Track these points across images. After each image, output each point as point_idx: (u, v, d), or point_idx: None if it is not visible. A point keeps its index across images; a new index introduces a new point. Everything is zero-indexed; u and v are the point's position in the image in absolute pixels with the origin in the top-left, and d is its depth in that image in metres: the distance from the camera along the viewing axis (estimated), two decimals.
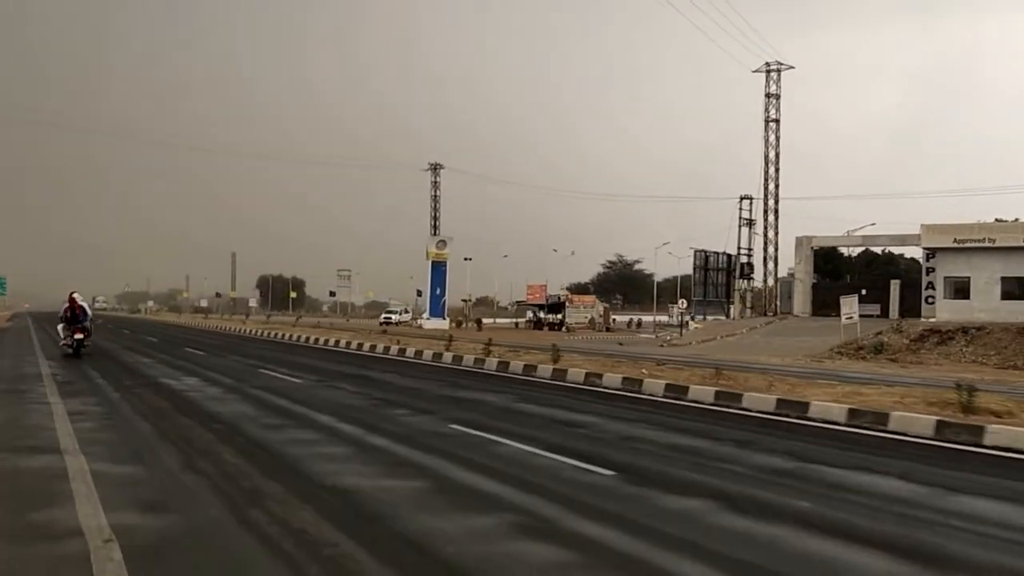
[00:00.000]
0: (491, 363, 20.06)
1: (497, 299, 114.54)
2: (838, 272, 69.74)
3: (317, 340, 33.16)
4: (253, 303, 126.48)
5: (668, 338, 54.86)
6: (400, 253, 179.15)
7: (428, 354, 23.57)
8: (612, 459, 8.50)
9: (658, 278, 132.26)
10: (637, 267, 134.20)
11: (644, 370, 18.04)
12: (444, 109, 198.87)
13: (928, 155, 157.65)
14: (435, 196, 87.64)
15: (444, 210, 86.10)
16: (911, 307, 58.25)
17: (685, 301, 58.52)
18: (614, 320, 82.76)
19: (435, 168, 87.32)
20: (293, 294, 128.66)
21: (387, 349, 26.28)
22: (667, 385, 14.24)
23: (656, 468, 8.16)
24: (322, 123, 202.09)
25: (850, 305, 46.64)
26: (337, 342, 31.15)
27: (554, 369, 17.59)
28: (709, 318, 64.95)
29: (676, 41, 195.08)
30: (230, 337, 40.88)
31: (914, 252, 78.29)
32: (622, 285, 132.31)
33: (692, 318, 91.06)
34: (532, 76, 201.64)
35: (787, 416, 11.67)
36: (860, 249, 73.74)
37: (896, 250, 75.31)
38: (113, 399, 14.15)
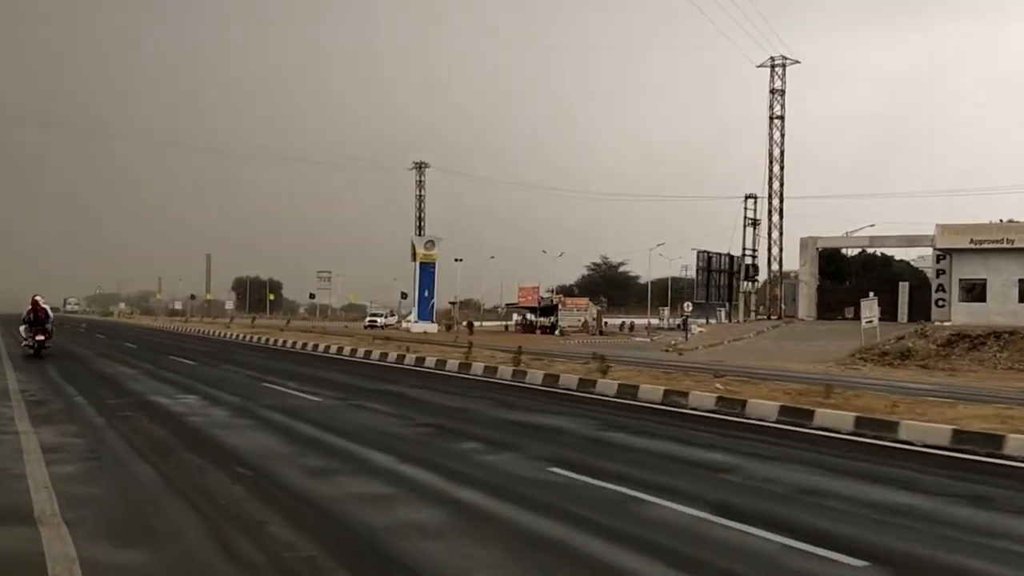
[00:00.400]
0: (534, 376, 17.40)
1: (482, 301, 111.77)
2: (841, 274, 67.73)
3: (316, 347, 30.27)
4: (230, 305, 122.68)
5: (673, 343, 52.51)
6: (382, 255, 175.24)
7: (452, 364, 20.83)
8: (829, 533, 5.95)
9: (642, 280, 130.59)
10: (622, 269, 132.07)
11: (719, 384, 15.55)
12: (430, 107, 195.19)
13: (928, 155, 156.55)
14: (420, 195, 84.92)
15: (429, 210, 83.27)
16: (919, 310, 56.57)
17: (691, 304, 56.19)
18: (606, 323, 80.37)
19: (420, 167, 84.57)
20: (271, 296, 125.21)
21: (401, 358, 23.49)
22: (782, 408, 11.69)
23: (913, 551, 5.62)
24: (302, 120, 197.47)
25: (870, 308, 44.75)
26: (340, 349, 28.28)
27: (620, 385, 14.96)
28: (711, 321, 62.79)
29: (676, 36, 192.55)
30: (216, 343, 37.88)
31: (908, 254, 76.98)
32: (606, 287, 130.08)
33: (684, 322, 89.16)
34: (524, 73, 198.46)
35: (973, 453, 9.18)
36: (856, 250, 71.88)
37: (891, 251, 73.70)
38: (97, 425, 11.41)
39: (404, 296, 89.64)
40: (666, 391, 13.85)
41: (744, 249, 61.27)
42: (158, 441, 10.07)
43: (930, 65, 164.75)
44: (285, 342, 34.04)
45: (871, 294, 63.36)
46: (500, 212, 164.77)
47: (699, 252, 61.06)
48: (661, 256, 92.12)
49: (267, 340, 36.66)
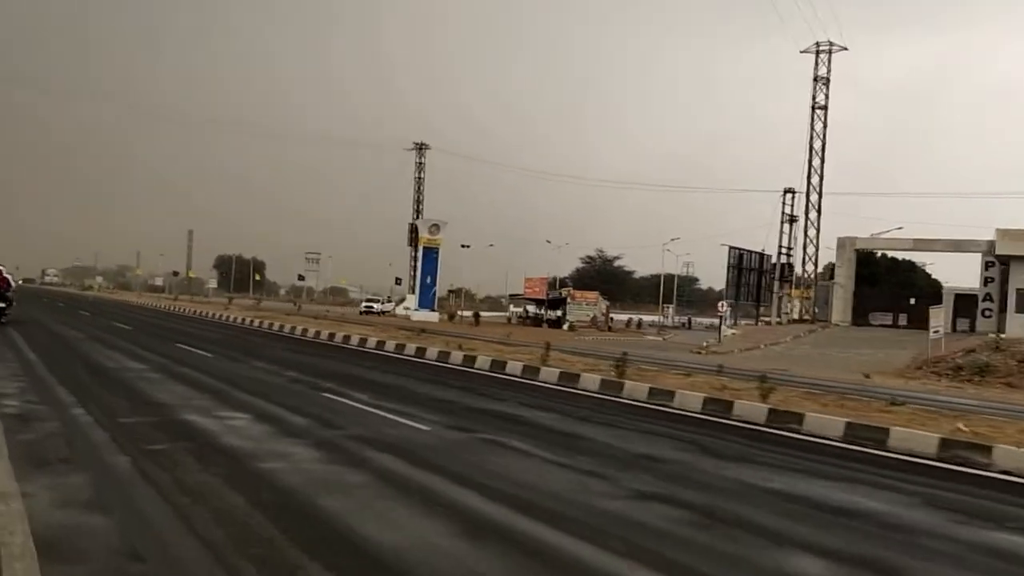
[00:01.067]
0: (686, 400, 12.97)
1: (476, 291, 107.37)
2: (874, 278, 63.79)
3: (348, 339, 25.46)
4: (213, 284, 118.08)
5: (705, 344, 48.49)
6: (372, 239, 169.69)
7: (548, 374, 16.28)
8: None
9: (636, 275, 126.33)
10: (617, 263, 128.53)
11: (961, 425, 11.39)
12: (433, 92, 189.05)
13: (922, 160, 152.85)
14: (419, 178, 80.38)
15: (426, 196, 78.71)
16: (962, 320, 53.23)
17: (725, 303, 52.02)
18: (612, 319, 76.66)
19: (420, 148, 79.91)
20: (257, 276, 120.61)
21: (470, 360, 18.65)
22: None
23: None
24: (298, 97, 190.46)
25: (937, 317, 40.96)
26: (382, 344, 23.36)
27: (851, 424, 10.65)
28: (742, 323, 58.76)
29: (681, 26, 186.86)
30: (222, 328, 33.08)
31: (921, 259, 73.20)
32: (601, 281, 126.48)
33: (687, 322, 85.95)
34: (531, 64, 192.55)
35: None
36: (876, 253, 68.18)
37: (909, 256, 70.12)
38: (121, 475, 7.10)
39: (398, 282, 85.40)
40: (943, 440, 9.59)
41: (780, 247, 57.26)
42: (240, 524, 5.73)
43: (925, 74, 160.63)
44: (306, 331, 29.34)
45: (911, 300, 60.00)
46: (497, 200, 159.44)
47: (731, 248, 56.93)
48: (668, 252, 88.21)
49: (280, 327, 31.91)
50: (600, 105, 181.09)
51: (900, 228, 61.57)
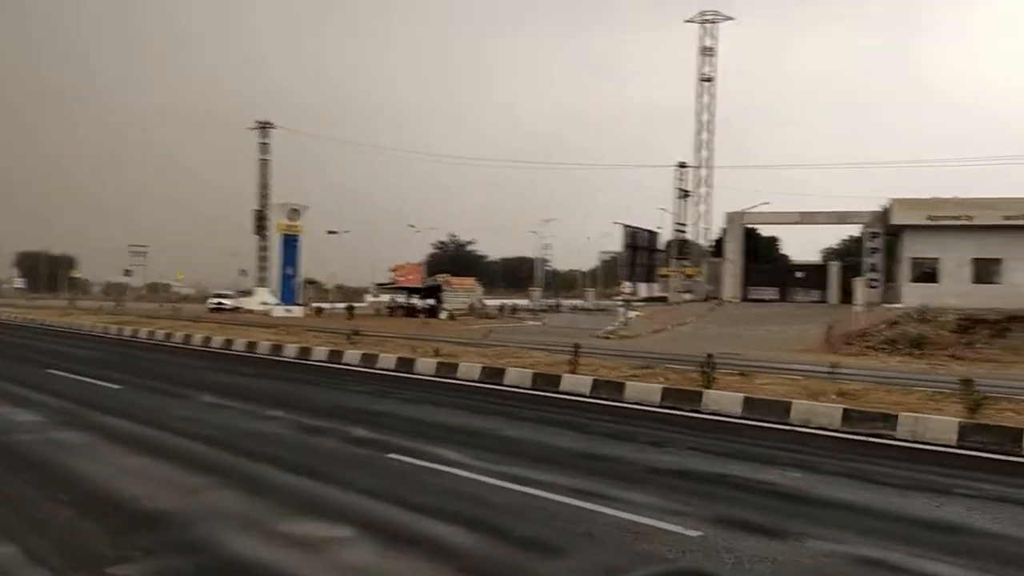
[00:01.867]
0: (927, 428, 8.70)
1: (327, 282, 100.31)
2: (755, 253, 63.58)
3: (280, 349, 18.89)
4: (20, 284, 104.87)
5: (612, 328, 45.63)
6: (207, 228, 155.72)
7: (644, 393, 11.48)
8: None
9: (489, 259, 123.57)
10: (470, 248, 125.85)
11: None
12: (284, 63, 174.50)
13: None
14: (264, 160, 72.68)
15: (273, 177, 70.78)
16: (847, 292, 53.68)
17: (628, 284, 49.46)
18: (485, 305, 73.13)
19: (264, 127, 72.13)
20: (76, 273, 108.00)
21: (498, 374, 13.22)
22: None
23: None
24: (113, 64, 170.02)
25: (861, 290, 40.41)
26: (337, 355, 17.06)
27: None
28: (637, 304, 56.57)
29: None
30: (85, 340, 25.52)
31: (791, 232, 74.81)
32: (455, 267, 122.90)
33: (555, 305, 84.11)
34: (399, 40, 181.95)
35: None
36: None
37: (782, 230, 71.19)
38: None
39: (244, 273, 77.82)
40: None
41: (676, 224, 55.50)
42: None
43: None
44: (208, 339, 22.16)
45: (797, 274, 60.10)
46: (349, 184, 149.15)
47: (625, 227, 54.49)
48: (533, 234, 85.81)
49: (167, 336, 24.40)
50: (463, 82, 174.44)
51: (767, 203, 61.33)
